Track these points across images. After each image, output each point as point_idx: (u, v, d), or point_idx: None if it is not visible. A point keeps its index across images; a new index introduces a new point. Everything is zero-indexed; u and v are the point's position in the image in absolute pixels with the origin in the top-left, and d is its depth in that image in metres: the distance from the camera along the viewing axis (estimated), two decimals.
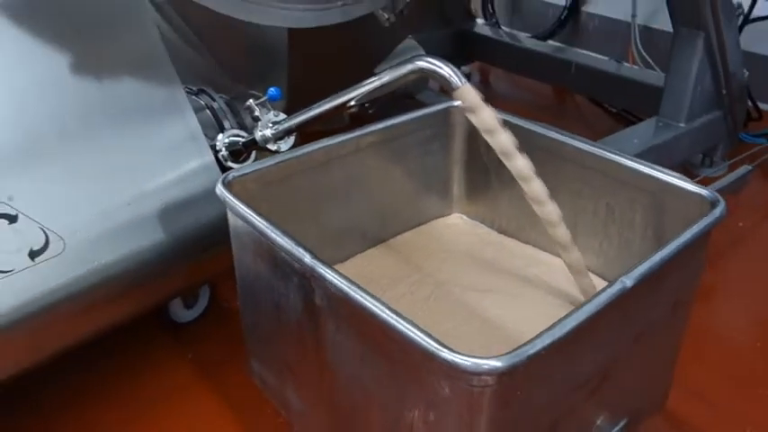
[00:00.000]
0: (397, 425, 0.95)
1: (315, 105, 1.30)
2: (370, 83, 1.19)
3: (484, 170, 1.45)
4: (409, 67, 1.14)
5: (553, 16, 3.44)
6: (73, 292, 1.29)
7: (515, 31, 3.43)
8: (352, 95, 1.24)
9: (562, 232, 1.13)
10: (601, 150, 1.25)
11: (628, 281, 0.92)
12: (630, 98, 2.60)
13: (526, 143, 1.13)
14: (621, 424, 1.12)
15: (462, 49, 3.10)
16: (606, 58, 2.95)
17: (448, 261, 1.36)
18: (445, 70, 1.10)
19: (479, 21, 3.44)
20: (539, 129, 1.34)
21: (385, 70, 1.15)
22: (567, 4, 3.35)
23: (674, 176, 1.16)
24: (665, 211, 1.18)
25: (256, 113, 1.46)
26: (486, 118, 1.12)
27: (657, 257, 0.96)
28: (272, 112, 1.47)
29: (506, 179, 1.17)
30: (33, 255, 1.24)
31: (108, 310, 1.38)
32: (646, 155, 1.95)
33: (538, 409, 0.91)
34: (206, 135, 1.53)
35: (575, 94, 3.05)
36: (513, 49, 2.93)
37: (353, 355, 0.97)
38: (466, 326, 1.21)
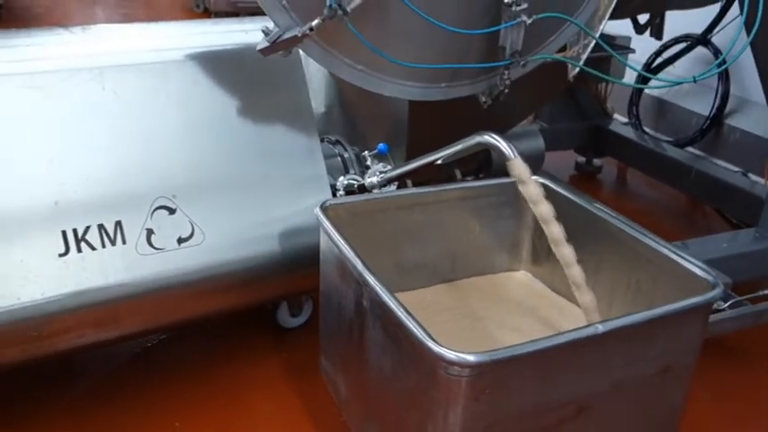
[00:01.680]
0: (402, 408, 1.21)
1: (409, 162, 1.63)
2: (448, 149, 1.50)
3: None
4: (476, 139, 1.43)
5: (696, 125, 3.54)
6: (202, 276, 1.69)
7: (655, 134, 3.57)
8: (436, 157, 1.56)
9: (576, 272, 1.34)
10: (635, 231, 1.45)
11: (601, 327, 1.12)
12: (752, 212, 2.64)
13: (576, 218, 1.37)
14: None
15: (596, 144, 3.30)
16: (737, 170, 3.01)
17: (497, 305, 1.60)
18: (502, 144, 1.39)
19: (621, 119, 3.62)
20: (590, 207, 1.56)
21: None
22: (710, 115, 3.44)
23: (687, 260, 1.33)
24: (679, 289, 1.34)
25: (368, 163, 1.82)
26: (531, 189, 1.39)
27: (638, 317, 1.16)
28: (380, 164, 1.82)
29: None
30: (180, 241, 1.66)
31: (224, 297, 1.77)
32: (731, 261, 2.04)
33: (507, 414, 1.13)
34: (332, 176, 1.91)
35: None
36: (641, 149, 3.08)
37: (382, 348, 1.25)
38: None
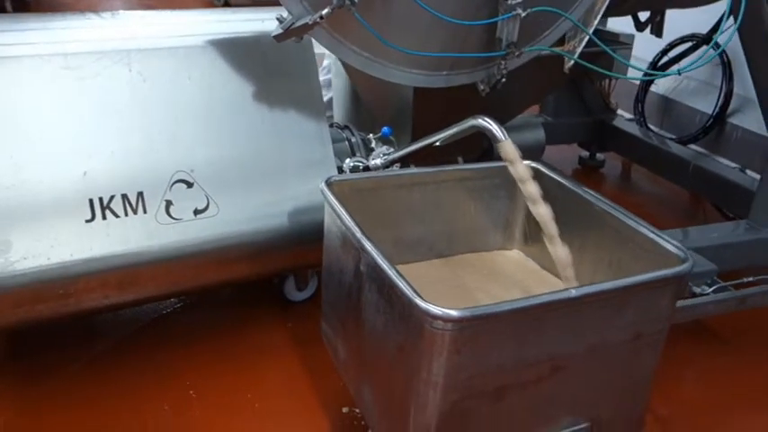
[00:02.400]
0: (392, 365, 1.33)
1: (410, 144, 1.75)
2: (445, 131, 1.62)
3: None
4: (471, 122, 1.55)
5: (700, 122, 3.63)
6: (215, 246, 1.83)
7: (659, 131, 3.67)
8: (434, 139, 1.68)
9: (552, 229, 1.46)
10: (618, 212, 1.56)
11: (574, 291, 1.24)
12: (747, 206, 2.73)
13: (564, 200, 1.48)
14: (582, 425, 1.41)
15: (599, 138, 3.40)
16: (735, 166, 3.10)
17: (488, 278, 1.72)
18: (493, 127, 1.50)
19: (626, 115, 3.72)
20: (578, 189, 1.66)
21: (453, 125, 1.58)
22: (714, 113, 3.53)
23: (664, 239, 1.44)
24: (656, 266, 1.45)
25: (372, 146, 1.94)
26: (519, 169, 1.50)
27: (608, 285, 1.28)
28: (384, 147, 1.95)
29: None
30: (196, 212, 1.80)
31: (235, 266, 1.90)
32: (720, 249, 2.14)
33: (487, 367, 1.24)
34: (340, 159, 2.03)
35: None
36: (643, 144, 3.17)
37: (376, 308, 1.37)
38: None
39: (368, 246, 1.34)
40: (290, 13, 1.58)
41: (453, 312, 1.16)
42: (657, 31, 2.63)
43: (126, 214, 1.72)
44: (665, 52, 3.63)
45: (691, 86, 3.81)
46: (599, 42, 1.72)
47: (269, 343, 2.03)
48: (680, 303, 1.94)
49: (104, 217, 1.70)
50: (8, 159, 1.62)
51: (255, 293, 2.24)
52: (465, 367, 1.23)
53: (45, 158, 1.65)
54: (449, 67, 1.77)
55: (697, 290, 1.99)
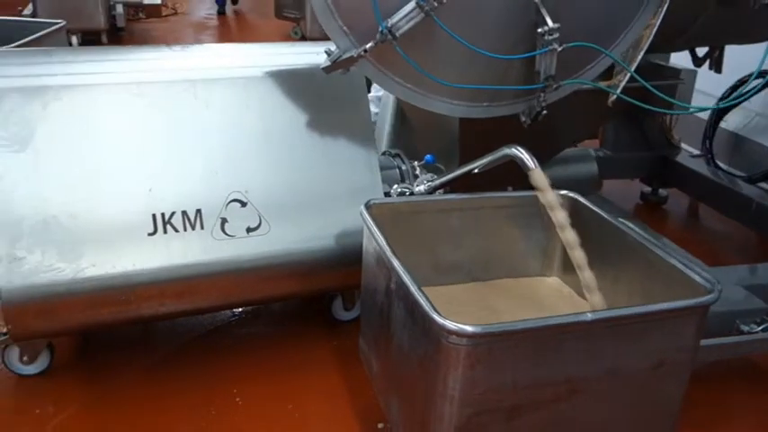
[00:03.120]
0: (414, 377, 1.39)
1: (449, 172, 1.83)
2: (480, 159, 1.70)
3: None
4: (504, 151, 1.62)
5: None
6: (266, 262, 1.95)
7: (728, 168, 3.59)
8: (470, 167, 1.76)
9: (578, 255, 1.50)
10: (650, 243, 1.58)
11: (590, 315, 1.28)
12: None
13: (600, 230, 1.57)
14: None
15: (662, 174, 3.36)
16: None
17: (519, 302, 1.76)
18: (524, 156, 1.57)
19: (695, 151, 3.66)
20: (613, 220, 1.69)
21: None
22: None
23: (692, 270, 1.45)
24: (684, 298, 1.46)
25: (417, 172, 2.03)
26: (549, 197, 1.56)
27: (625, 311, 1.31)
28: (429, 174, 2.03)
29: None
30: (249, 230, 1.93)
31: (285, 283, 2.01)
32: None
33: (502, 384, 1.29)
34: (389, 185, 2.13)
35: None
36: (707, 182, 3.11)
37: (402, 324, 1.45)
38: None
39: (396, 264, 1.42)
40: (337, 46, 1.70)
41: (468, 328, 1.22)
42: (717, 67, 2.62)
43: (185, 229, 1.87)
44: (734, 88, 3.57)
45: (762, 123, 3.73)
46: (639, 79, 1.76)
47: (313, 358, 2.13)
48: (726, 340, 1.93)
49: (165, 231, 1.85)
50: (84, 174, 1.80)
51: (306, 312, 2.35)
52: (480, 382, 1.28)
53: (116, 175, 1.82)
54: (489, 98, 1.85)
55: (745, 328, 1.97)
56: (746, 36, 2.42)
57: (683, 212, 3.50)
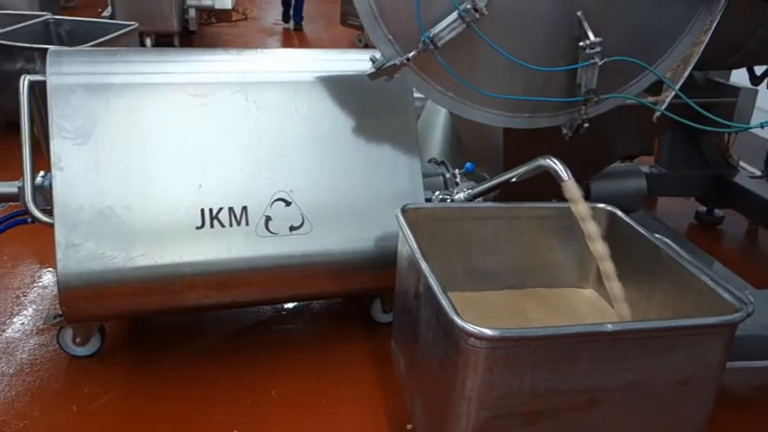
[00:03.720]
0: (437, 378, 1.43)
1: (488, 181, 1.86)
2: (516, 170, 1.72)
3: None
4: (539, 162, 1.64)
5: None
6: (307, 261, 2.01)
7: None
8: (507, 177, 1.78)
9: (607, 266, 1.52)
10: (683, 260, 1.57)
11: (610, 326, 1.29)
12: None
13: (636, 244, 1.58)
14: None
15: (717, 194, 3.27)
16: None
17: (550, 311, 1.77)
18: (558, 167, 1.58)
19: (757, 172, 3.55)
20: (649, 235, 1.68)
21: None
22: None
23: (721, 287, 1.44)
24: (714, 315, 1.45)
25: (457, 180, 2.06)
26: (581, 208, 1.57)
27: (647, 324, 1.31)
28: (469, 182, 2.06)
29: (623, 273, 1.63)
30: (292, 229, 2.00)
31: (325, 281, 2.08)
32: None
33: (520, 389, 1.31)
34: (432, 192, 2.17)
35: None
36: (761, 202, 3.02)
37: (428, 326, 1.48)
38: None
39: (423, 266, 1.46)
40: (382, 54, 1.76)
41: (487, 331, 1.25)
42: None
43: (231, 225, 1.95)
44: None
45: None
46: (682, 96, 1.75)
47: (349, 358, 2.18)
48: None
49: (212, 226, 1.94)
50: (139, 168, 1.90)
51: (346, 312, 2.42)
52: (497, 386, 1.31)
53: (168, 170, 1.92)
54: (531, 109, 1.87)
55: None
56: None
57: (740, 234, 3.40)
